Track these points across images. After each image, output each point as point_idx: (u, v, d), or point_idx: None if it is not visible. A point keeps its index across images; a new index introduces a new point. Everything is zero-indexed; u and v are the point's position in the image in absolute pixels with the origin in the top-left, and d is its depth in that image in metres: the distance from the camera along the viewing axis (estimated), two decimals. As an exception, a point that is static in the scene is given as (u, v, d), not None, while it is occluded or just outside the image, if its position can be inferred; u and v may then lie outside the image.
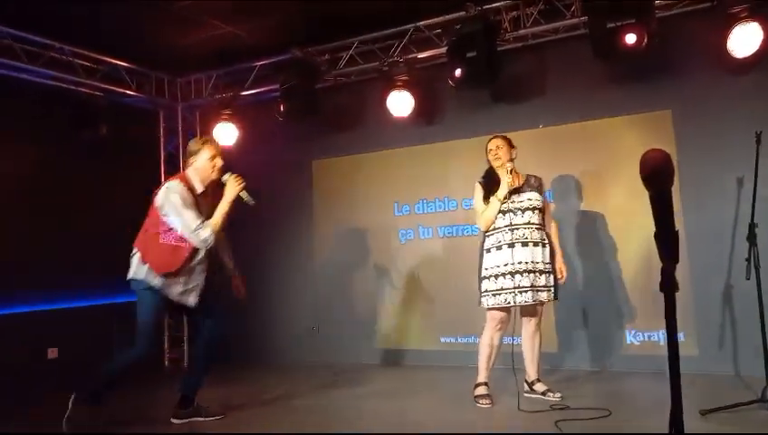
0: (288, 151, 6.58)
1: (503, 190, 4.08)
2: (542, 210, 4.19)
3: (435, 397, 4.55)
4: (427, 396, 4.61)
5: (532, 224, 4.12)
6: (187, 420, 4.08)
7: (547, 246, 4.16)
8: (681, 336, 4.79)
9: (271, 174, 6.70)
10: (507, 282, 4.04)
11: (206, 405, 4.18)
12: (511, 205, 4.09)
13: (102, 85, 5.90)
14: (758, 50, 4.41)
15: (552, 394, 4.17)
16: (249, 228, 6.82)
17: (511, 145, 4.23)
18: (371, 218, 6.19)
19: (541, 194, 4.23)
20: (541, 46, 5.39)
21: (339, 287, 6.30)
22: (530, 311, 4.22)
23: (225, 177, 4.03)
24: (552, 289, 4.14)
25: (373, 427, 3.83)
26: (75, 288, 5.87)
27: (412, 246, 5.97)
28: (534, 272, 4.06)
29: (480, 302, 4.16)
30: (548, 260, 4.14)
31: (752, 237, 3.68)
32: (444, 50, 5.29)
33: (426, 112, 5.83)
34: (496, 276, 4.07)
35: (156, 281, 3.87)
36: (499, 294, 4.05)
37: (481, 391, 4.17)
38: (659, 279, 1.40)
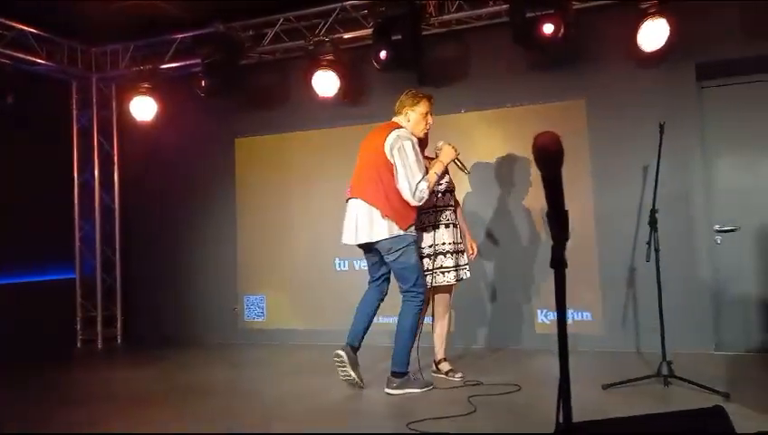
0: (210, 128, 6.43)
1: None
2: (453, 192, 4.30)
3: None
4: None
5: (451, 206, 4.24)
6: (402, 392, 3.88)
7: (458, 226, 4.28)
8: (588, 316, 5.07)
9: (192, 151, 6.54)
10: (429, 263, 4.12)
11: (421, 376, 4.01)
12: (436, 186, 4.09)
13: (8, 52, 5.56)
14: (664, 45, 4.63)
15: (453, 374, 4.24)
16: (170, 209, 6.66)
17: None
18: (295, 198, 6.14)
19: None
20: (464, 32, 5.49)
21: (260, 267, 6.24)
22: (445, 291, 4.30)
23: (440, 144, 3.99)
24: (468, 267, 4.27)
25: (299, 407, 3.84)
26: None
27: (339, 227, 5.95)
28: (457, 252, 4.17)
29: None
30: (461, 240, 4.26)
31: (653, 222, 3.90)
32: (370, 31, 5.29)
33: (351, 93, 5.82)
34: (420, 258, 4.11)
35: (412, 229, 3.89)
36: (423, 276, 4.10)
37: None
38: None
